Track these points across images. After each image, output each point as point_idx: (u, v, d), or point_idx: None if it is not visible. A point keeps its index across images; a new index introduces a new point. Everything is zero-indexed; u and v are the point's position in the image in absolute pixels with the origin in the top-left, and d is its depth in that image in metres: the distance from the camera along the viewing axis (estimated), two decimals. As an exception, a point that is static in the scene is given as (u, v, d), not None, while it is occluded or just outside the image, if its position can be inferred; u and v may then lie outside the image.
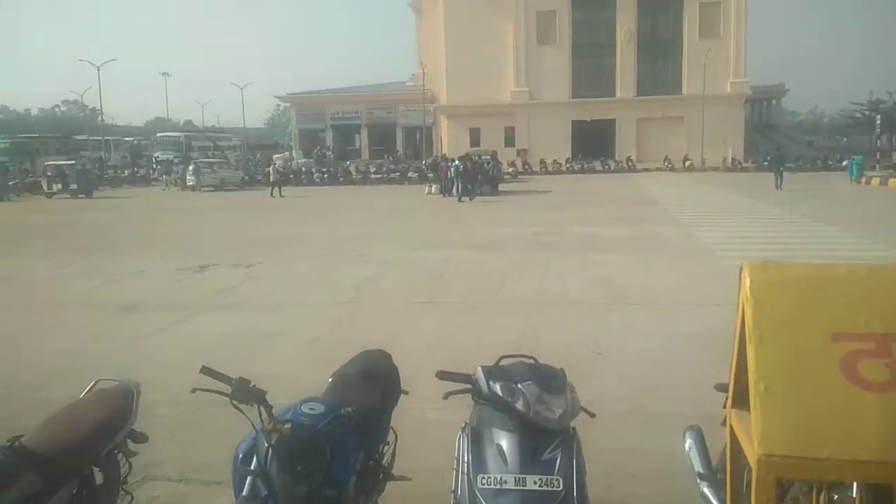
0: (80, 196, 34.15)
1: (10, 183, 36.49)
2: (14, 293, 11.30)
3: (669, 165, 47.64)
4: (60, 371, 6.60)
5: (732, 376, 2.66)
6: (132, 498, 3.63)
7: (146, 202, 32.03)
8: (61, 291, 11.14)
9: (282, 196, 31.68)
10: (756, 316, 2.33)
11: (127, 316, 9.30)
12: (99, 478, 3.32)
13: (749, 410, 2.29)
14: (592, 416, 3.07)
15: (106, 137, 61.66)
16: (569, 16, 53.51)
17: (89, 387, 3.60)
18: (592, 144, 51.76)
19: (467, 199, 28.06)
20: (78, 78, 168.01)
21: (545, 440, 2.74)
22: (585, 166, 48.42)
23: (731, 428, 2.67)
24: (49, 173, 35.80)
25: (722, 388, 2.99)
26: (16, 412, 5.14)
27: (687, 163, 47.89)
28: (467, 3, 53.14)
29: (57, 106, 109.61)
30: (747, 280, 2.41)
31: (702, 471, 3.24)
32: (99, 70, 56.52)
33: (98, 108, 72.49)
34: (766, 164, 37.19)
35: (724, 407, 2.83)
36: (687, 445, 3.44)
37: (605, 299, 9.72)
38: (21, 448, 2.84)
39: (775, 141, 53.72)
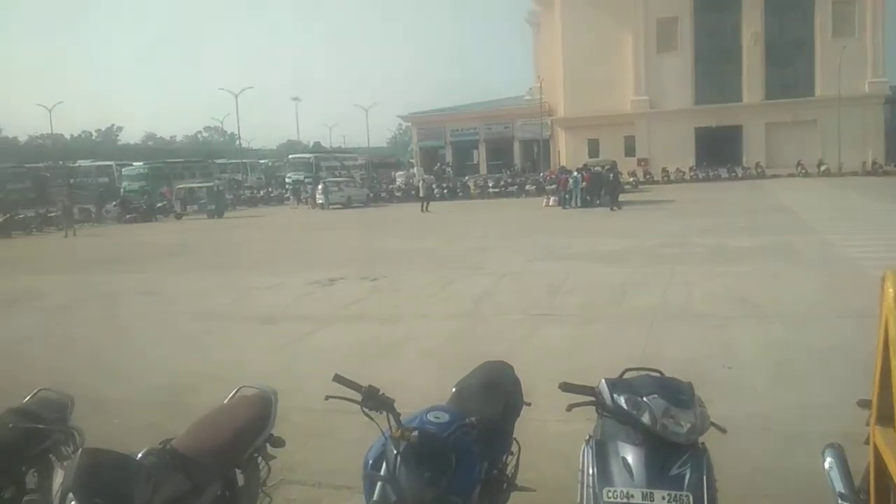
0: (213, 216, 36.31)
1: (158, 205, 39.45)
2: (160, 306, 12.23)
3: (802, 171, 44.93)
4: (207, 378, 7.09)
5: (876, 392, 2.51)
6: (271, 500, 3.82)
7: (275, 220, 33.71)
8: (205, 304, 11.96)
9: (427, 211, 32.18)
10: (900, 327, 2.20)
11: (264, 327, 9.86)
12: (241, 480, 3.53)
13: (894, 428, 2.17)
14: (723, 431, 2.98)
15: (243, 160, 65.57)
16: (691, 21, 51.79)
17: (232, 393, 3.86)
18: (718, 151, 49.62)
19: (585, 210, 27.65)
20: (218, 106, 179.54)
21: (673, 455, 2.69)
22: (710, 174, 46.53)
23: (875, 446, 2.52)
24: (181, 196, 38.49)
25: (865, 404, 2.83)
26: (166, 416, 5.57)
27: (822, 167, 44.94)
28: (585, 14, 52.57)
29: (199, 132, 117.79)
30: (891, 290, 2.28)
31: (843, 491, 3.06)
32: (237, 98, 60.38)
33: (236, 132, 77.36)
34: None
35: (868, 424, 2.67)
36: (827, 464, 3.25)
37: (734, 312, 9.31)
38: (171, 450, 3.06)
39: None
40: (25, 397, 3.83)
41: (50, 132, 72.10)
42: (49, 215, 33.48)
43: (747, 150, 50.36)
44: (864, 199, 26.63)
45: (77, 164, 59.13)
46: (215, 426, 3.52)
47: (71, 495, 2.70)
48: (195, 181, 44.73)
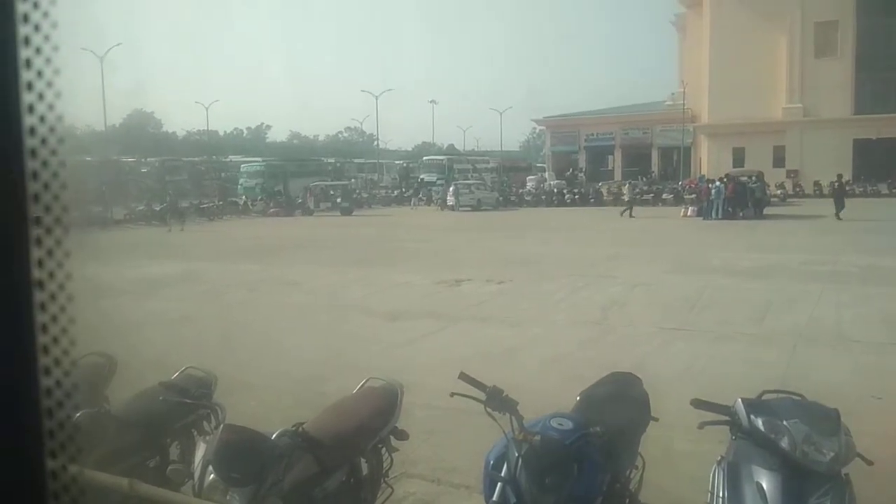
0: (345, 214, 37.52)
1: (298, 201, 41.17)
2: (299, 296, 12.85)
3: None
4: (337, 368, 7.37)
5: None
6: (392, 491, 3.92)
7: (404, 220, 34.51)
8: (338, 298, 12.47)
9: (631, 217, 30.02)
10: None
11: (393, 322, 10.14)
12: (364, 468, 3.65)
13: None
14: (870, 463, 2.76)
15: (379, 160, 67.71)
16: (853, 25, 48.17)
17: (361, 384, 3.99)
18: (878, 165, 45.79)
19: (727, 222, 26.40)
20: (359, 107, 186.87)
21: (813, 484, 2.52)
22: (869, 189, 43.04)
23: None
24: (315, 193, 39.98)
25: None
26: (299, 401, 5.84)
27: None
28: (735, 15, 50.20)
29: (340, 132, 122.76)
30: None
31: None
32: (377, 99, 62.40)
33: (374, 133, 80.00)
34: None
35: None
36: None
37: (886, 338, 8.57)
38: (303, 433, 3.22)
39: None
40: (174, 373, 4.13)
41: (206, 128, 77.40)
42: (201, 206, 36.04)
43: (912, 164, 46.24)
44: None
45: (228, 160, 63.10)
46: (343, 414, 3.66)
47: (211, 468, 2.90)
48: (311, 179, 44.94)
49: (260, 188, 44.89)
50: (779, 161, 49.57)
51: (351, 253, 20.05)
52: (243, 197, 43.18)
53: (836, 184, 30.54)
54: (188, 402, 3.82)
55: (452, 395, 3.08)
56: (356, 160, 67.07)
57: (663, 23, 65.62)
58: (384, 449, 3.77)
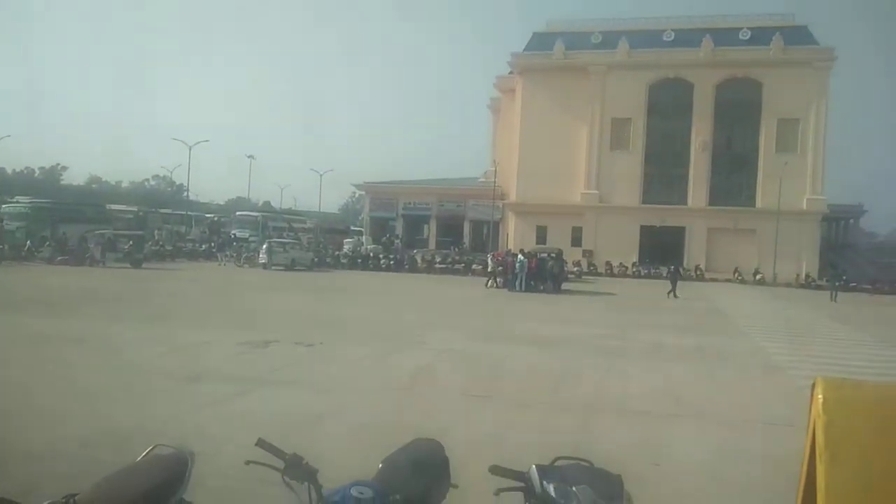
0: (136, 266, 35.04)
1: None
2: (86, 355, 11.71)
3: (739, 277, 46.63)
4: (122, 433, 6.72)
5: (799, 498, 2.52)
6: None
7: (209, 276, 33.02)
8: (129, 357, 11.50)
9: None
10: (828, 435, 2.23)
11: (190, 385, 9.49)
12: (147, 542, 3.31)
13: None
14: None
15: (188, 212, 64.63)
16: (644, 124, 54.26)
17: (146, 451, 3.65)
18: (661, 250, 51.26)
19: (529, 294, 27.94)
20: (170, 155, 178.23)
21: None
22: (652, 272, 47.81)
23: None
24: (101, 242, 36.76)
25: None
26: (73, 470, 5.24)
27: (758, 276, 46.78)
28: (543, 106, 54.66)
29: (146, 180, 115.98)
30: (820, 397, 2.32)
31: None
32: (190, 149, 59.93)
33: (184, 184, 76.44)
34: (826, 281, 42.08)
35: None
36: None
37: (665, 409, 9.38)
38: None
39: (829, 259, 52.24)
40: None
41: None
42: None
43: (689, 251, 52.15)
44: (781, 305, 27.63)
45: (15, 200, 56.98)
46: (124, 484, 3.32)
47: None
48: (88, 227, 40.87)
49: (23, 232, 40.40)
50: (576, 241, 53.77)
51: (146, 308, 18.73)
52: (27, 242, 38.90)
53: (672, 268, 35.81)
54: None
55: (248, 463, 2.90)
56: (162, 210, 63.47)
57: (482, 104, 69.61)
58: (167, 523, 3.44)
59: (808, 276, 46.95)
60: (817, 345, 16.99)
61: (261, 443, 2.87)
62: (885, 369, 13.64)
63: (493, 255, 40.80)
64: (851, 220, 73.64)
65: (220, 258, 43.36)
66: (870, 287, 43.47)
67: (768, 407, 9.65)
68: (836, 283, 37.11)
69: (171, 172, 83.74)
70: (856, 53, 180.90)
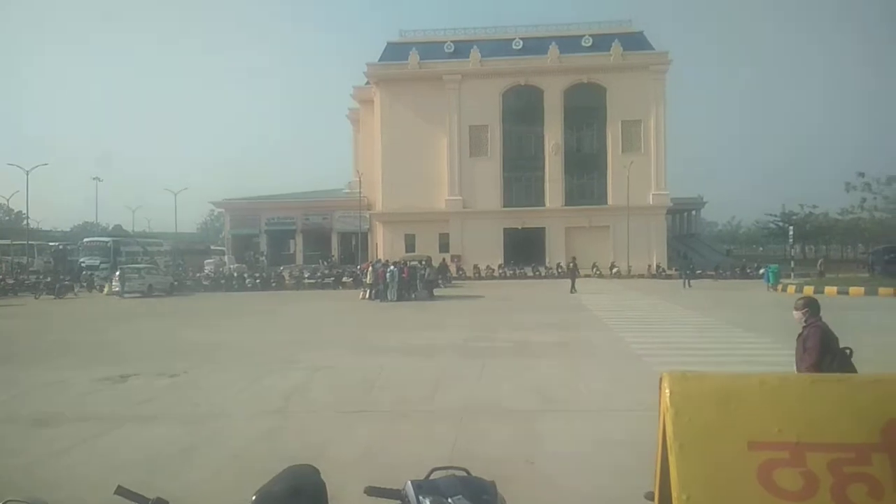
0: None
1: None
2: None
3: (598, 272, 49.10)
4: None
5: (657, 485, 2.68)
6: None
7: (56, 309, 30.77)
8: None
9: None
10: (676, 426, 2.39)
11: (42, 429, 8.76)
12: None
13: (675, 520, 2.31)
14: None
15: (29, 242, 59.74)
16: (500, 130, 56.01)
17: (-7, 508, 3.35)
18: (524, 251, 53.23)
19: (402, 303, 28.05)
20: (5, 182, 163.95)
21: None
22: (517, 272, 49.44)
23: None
24: None
25: (651, 496, 3.01)
26: None
27: (614, 269, 49.53)
28: (402, 116, 55.16)
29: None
30: (667, 391, 2.48)
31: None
32: (28, 174, 55.41)
33: (24, 212, 70.61)
34: (675, 270, 46.11)
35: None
36: None
37: (536, 406, 9.71)
38: None
39: (679, 250, 56.67)
40: None
41: None
42: None
43: (550, 251, 54.28)
44: (640, 296, 29.46)
45: None
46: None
47: None
48: None
49: None
50: (444, 247, 54.67)
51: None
52: None
53: (570, 264, 39.14)
54: None
55: (106, 513, 2.72)
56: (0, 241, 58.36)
57: (342, 115, 69.09)
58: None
59: (658, 266, 50.30)
60: (672, 332, 18.24)
61: (120, 490, 2.68)
62: (730, 348, 14.82)
63: (360, 267, 40.65)
64: (694, 212, 79.46)
65: (74, 289, 40.17)
66: (713, 273, 47.12)
67: (628, 394, 10.21)
68: (687, 272, 39.91)
69: (8, 200, 77.16)
70: (691, 56, 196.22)
